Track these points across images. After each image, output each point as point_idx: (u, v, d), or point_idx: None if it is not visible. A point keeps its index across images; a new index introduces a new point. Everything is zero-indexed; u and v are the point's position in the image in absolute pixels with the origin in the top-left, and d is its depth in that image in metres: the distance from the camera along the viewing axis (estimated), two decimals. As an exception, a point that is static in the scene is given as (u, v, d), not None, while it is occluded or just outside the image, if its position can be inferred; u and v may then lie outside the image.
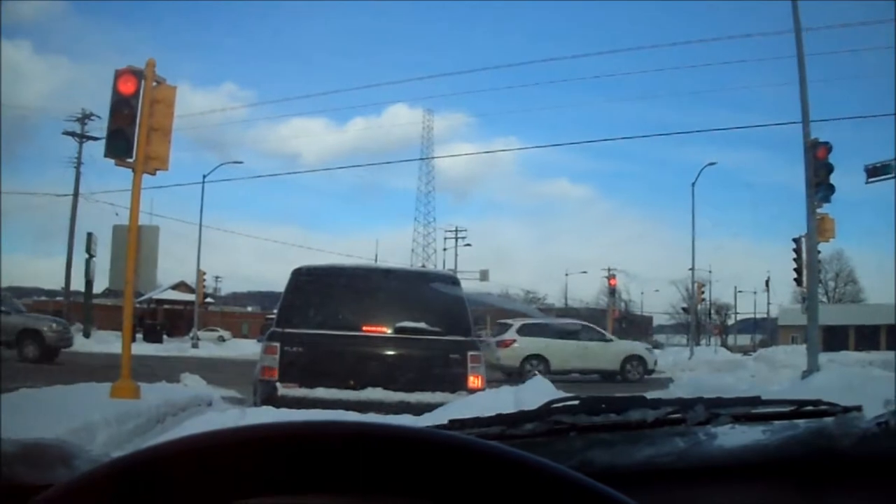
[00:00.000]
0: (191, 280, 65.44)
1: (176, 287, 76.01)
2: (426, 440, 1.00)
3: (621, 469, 1.77)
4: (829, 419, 1.92)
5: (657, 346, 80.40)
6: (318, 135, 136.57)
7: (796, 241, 24.24)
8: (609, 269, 78.95)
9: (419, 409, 8.53)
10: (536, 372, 32.28)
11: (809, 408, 2.05)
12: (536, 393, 9.19)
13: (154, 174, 13.58)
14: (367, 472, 0.98)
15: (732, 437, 1.89)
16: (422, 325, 11.05)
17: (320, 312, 11.24)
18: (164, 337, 60.20)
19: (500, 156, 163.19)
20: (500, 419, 2.00)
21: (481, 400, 9.38)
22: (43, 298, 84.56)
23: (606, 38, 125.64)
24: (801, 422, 1.93)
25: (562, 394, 5.13)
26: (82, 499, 0.98)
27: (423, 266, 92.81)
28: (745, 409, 2.03)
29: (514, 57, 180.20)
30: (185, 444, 1.01)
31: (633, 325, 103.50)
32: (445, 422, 2.06)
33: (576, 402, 2.05)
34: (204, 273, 61.90)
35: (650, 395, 2.27)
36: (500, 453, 1.00)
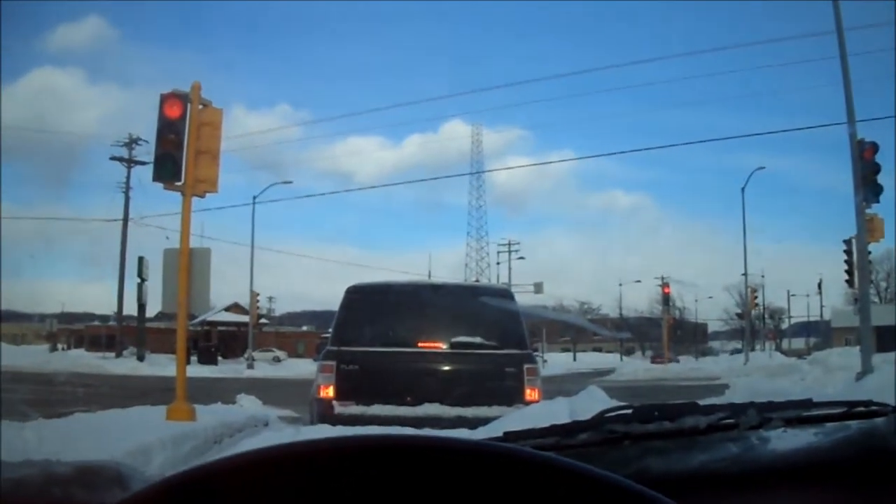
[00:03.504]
0: (244, 301, 65.61)
1: (229, 309, 76.26)
2: (481, 452, 1.03)
3: (677, 476, 1.78)
4: (880, 419, 1.92)
5: (707, 353, 79.49)
6: (371, 153, 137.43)
7: (846, 242, 24.08)
8: (662, 278, 78.49)
9: (476, 424, 8.42)
10: None
11: (860, 409, 2.06)
12: (591, 402, 9.16)
13: (203, 196, 13.59)
14: (416, 487, 1.00)
15: (785, 440, 1.89)
16: (477, 339, 11.00)
17: (375, 330, 11.24)
18: (219, 358, 60.52)
19: (552, 168, 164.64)
20: (554, 430, 2.02)
21: (536, 411, 9.28)
22: (96, 324, 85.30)
23: (656, 46, 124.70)
24: (852, 423, 1.94)
25: (616, 403, 5.13)
26: None
27: (477, 280, 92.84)
28: (797, 413, 2.04)
29: (565, 67, 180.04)
30: (237, 460, 1.03)
31: (688, 332, 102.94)
32: (500, 434, 2.08)
33: (629, 411, 2.07)
34: (257, 294, 61.96)
35: (703, 401, 2.28)
36: (555, 464, 1.02)
